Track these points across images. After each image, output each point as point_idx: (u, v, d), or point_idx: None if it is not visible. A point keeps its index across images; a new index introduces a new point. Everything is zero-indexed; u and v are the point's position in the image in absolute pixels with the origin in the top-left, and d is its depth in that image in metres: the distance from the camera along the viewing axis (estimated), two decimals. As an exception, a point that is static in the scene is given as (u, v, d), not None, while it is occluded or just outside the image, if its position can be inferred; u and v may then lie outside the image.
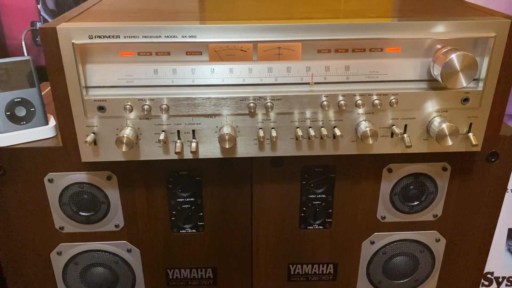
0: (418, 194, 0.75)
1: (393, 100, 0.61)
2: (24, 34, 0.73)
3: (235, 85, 0.61)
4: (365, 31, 0.58)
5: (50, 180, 0.71)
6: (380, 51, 0.60)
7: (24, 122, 0.71)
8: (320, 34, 0.58)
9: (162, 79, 0.61)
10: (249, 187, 0.74)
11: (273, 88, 0.62)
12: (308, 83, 0.62)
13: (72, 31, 0.56)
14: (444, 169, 0.73)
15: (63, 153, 0.67)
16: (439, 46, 0.60)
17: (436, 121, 0.62)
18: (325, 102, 0.61)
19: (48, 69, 0.58)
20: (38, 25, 1.13)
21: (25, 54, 0.73)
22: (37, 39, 1.15)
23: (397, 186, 0.74)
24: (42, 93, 0.73)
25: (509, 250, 1.36)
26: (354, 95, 0.61)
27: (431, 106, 0.62)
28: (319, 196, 0.75)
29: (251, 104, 0.61)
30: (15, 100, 0.70)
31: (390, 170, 0.73)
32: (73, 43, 0.56)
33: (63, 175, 0.70)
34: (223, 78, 0.61)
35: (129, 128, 0.61)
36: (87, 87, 0.60)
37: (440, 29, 0.59)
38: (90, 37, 0.56)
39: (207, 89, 0.61)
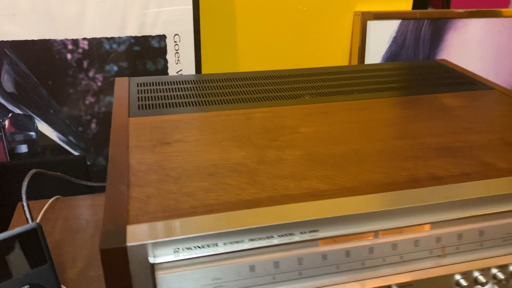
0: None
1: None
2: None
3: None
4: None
5: None
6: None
7: (38, 317, 0.51)
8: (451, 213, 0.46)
9: (261, 277, 0.45)
10: None
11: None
12: (439, 256, 0.49)
13: (151, 247, 0.38)
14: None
15: None
16: None
17: None
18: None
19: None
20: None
21: (30, 221, 0.52)
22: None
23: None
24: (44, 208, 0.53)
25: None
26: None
27: None
28: None
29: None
30: (25, 291, 0.50)
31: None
32: (152, 264, 0.38)
33: None
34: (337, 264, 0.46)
35: None
36: (159, 303, 0.42)
37: None
38: (176, 251, 0.39)
39: (316, 280, 0.46)
